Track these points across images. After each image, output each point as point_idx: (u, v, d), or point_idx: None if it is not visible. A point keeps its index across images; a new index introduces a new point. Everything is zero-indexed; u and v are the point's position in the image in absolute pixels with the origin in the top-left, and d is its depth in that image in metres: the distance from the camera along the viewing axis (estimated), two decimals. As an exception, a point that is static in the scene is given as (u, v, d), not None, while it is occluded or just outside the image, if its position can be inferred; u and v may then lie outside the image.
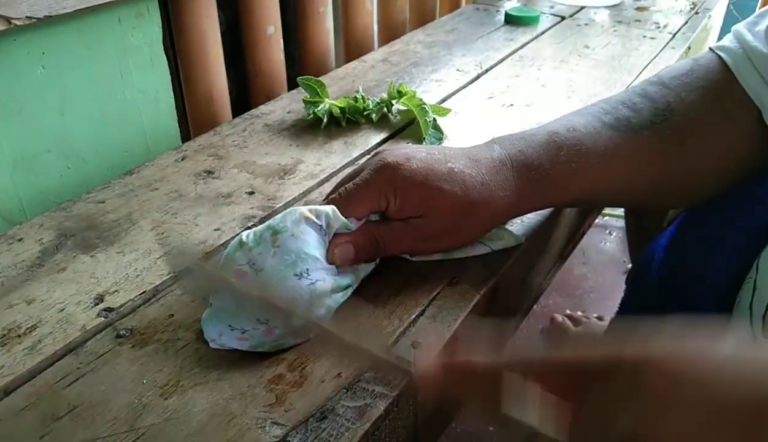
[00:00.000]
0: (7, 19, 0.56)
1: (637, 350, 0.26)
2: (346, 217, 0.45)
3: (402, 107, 0.76)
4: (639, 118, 0.50)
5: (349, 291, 0.45)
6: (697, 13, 1.17)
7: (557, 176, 0.48)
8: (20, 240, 0.54)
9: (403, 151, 0.48)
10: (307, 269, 0.42)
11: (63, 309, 0.46)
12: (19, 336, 0.44)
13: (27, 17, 0.57)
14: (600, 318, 1.33)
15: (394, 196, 0.46)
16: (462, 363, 0.31)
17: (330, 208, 0.44)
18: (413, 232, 0.47)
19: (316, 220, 0.44)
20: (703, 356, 0.25)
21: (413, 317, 0.45)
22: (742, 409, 0.23)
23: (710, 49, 0.54)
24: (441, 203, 0.46)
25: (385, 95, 0.77)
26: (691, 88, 0.51)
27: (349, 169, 0.55)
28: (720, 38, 1.51)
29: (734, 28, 0.54)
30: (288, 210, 0.45)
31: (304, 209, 0.44)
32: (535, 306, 0.66)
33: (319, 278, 0.42)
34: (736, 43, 0.52)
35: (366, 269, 0.47)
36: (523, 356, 0.30)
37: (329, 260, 0.44)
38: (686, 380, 0.24)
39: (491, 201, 0.46)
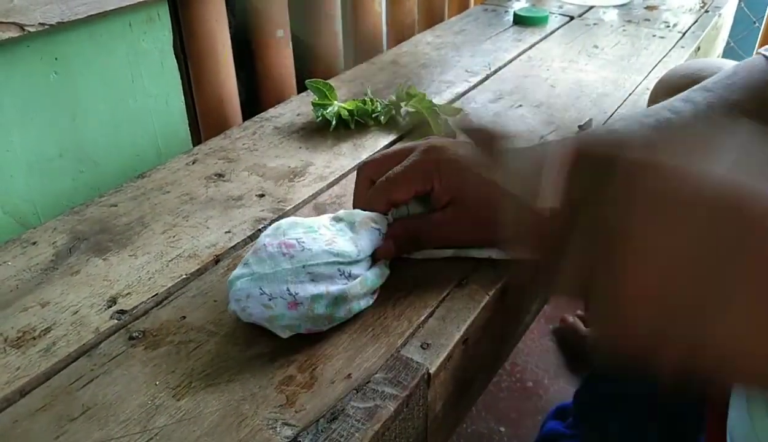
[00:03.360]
0: (21, 26, 0.57)
1: (639, 153, 0.27)
2: (394, 200, 0.48)
3: (411, 109, 0.77)
4: (680, 118, 0.50)
5: (371, 300, 0.46)
6: (707, 11, 1.17)
7: None
8: (34, 243, 0.55)
9: (448, 139, 0.50)
10: (350, 272, 0.44)
11: (77, 311, 0.47)
12: (34, 338, 0.45)
13: (40, 24, 0.58)
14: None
15: (439, 178, 0.47)
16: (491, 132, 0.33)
17: (379, 218, 0.48)
18: (450, 223, 0.48)
19: (374, 225, 0.47)
20: (695, 170, 0.26)
21: (423, 318, 0.45)
22: (712, 212, 0.25)
23: (757, 52, 0.54)
24: (482, 193, 0.46)
25: (393, 97, 0.77)
26: (734, 88, 0.51)
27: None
28: (730, 36, 1.50)
29: None
30: (351, 215, 0.48)
31: (367, 216, 0.47)
32: (545, 306, 0.67)
33: (355, 284, 0.44)
34: None
35: (384, 274, 0.47)
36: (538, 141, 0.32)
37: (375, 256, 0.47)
38: (672, 182, 0.26)
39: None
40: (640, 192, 0.26)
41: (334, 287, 0.43)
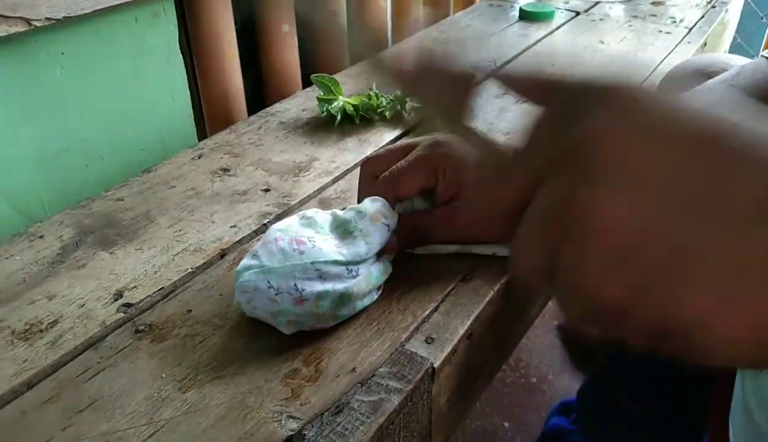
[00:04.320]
0: (27, 21, 0.57)
1: (613, 79, 0.24)
2: (398, 194, 0.48)
3: (415, 104, 0.76)
4: None
5: (375, 296, 0.46)
6: (713, 7, 1.16)
7: None
8: (41, 237, 0.55)
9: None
10: (358, 269, 0.44)
11: (83, 304, 0.47)
12: (41, 331, 0.45)
13: (46, 18, 0.59)
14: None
15: (443, 173, 0.47)
16: (439, 61, 0.30)
17: (389, 212, 0.47)
18: (453, 218, 0.48)
19: (384, 220, 0.46)
20: (673, 103, 0.23)
21: (427, 312, 0.45)
22: (692, 138, 0.22)
23: (762, 55, 0.53)
24: (485, 189, 0.46)
25: (398, 93, 0.77)
26: (737, 89, 0.51)
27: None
28: (737, 32, 1.49)
29: None
30: (361, 207, 0.47)
31: (377, 211, 0.46)
32: (550, 302, 0.67)
33: (360, 282, 0.44)
34: None
35: (388, 270, 0.47)
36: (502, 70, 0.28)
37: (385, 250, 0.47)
38: (649, 113, 0.23)
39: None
40: (613, 127, 0.23)
41: (340, 285, 0.43)
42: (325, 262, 0.43)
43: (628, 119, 0.22)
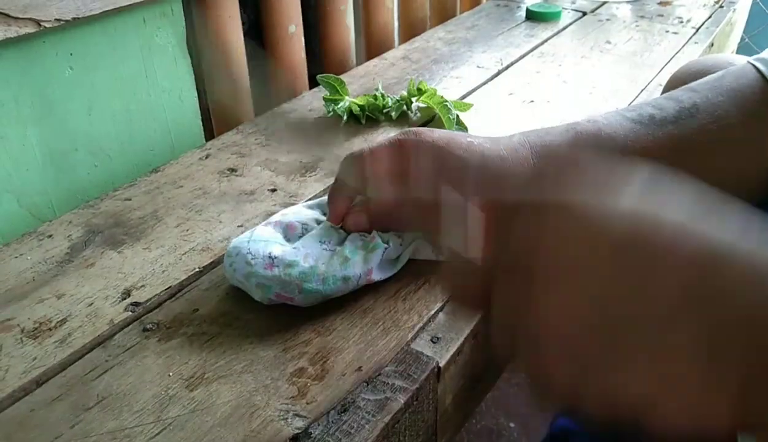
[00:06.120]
0: (37, 22, 0.58)
1: (557, 197, 0.28)
2: (369, 170, 0.48)
3: (422, 105, 0.77)
4: (663, 114, 0.50)
5: (340, 284, 0.45)
6: (721, 6, 1.16)
7: (577, 158, 0.48)
8: (50, 236, 0.56)
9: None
10: (333, 248, 0.48)
11: (92, 303, 0.48)
12: (50, 329, 0.45)
13: (56, 19, 0.59)
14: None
15: (416, 157, 0.47)
16: (410, 199, 0.34)
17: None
18: (427, 202, 0.47)
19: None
20: (599, 207, 0.26)
21: (432, 312, 0.46)
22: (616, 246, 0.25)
23: (748, 61, 0.53)
24: (458, 171, 0.46)
25: (405, 93, 0.77)
26: (720, 91, 0.50)
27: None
28: (745, 32, 1.48)
29: None
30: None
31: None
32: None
33: (329, 253, 0.47)
34: None
35: (366, 247, 0.48)
36: (463, 191, 0.32)
37: (345, 226, 0.49)
38: (576, 221, 0.26)
39: (509, 176, 0.47)
40: (545, 234, 0.26)
41: (311, 259, 0.45)
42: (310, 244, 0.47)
43: (559, 227, 0.26)
